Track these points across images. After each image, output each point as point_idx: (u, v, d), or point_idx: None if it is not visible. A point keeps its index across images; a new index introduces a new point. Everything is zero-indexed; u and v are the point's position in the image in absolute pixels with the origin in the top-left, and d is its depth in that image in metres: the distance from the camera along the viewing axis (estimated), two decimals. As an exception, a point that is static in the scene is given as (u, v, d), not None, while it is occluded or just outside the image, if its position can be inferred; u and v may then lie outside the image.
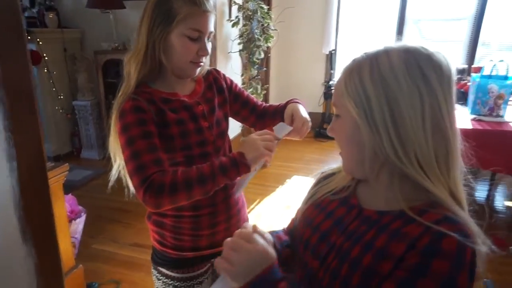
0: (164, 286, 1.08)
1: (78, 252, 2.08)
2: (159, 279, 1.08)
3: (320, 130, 4.67)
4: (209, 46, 0.99)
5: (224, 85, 1.12)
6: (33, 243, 0.82)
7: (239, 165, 0.87)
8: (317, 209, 0.75)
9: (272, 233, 0.79)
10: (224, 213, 1.05)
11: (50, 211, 0.90)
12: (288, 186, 3.32)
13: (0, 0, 0.73)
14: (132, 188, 0.96)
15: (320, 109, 4.81)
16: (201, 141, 1.00)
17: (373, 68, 0.60)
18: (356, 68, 0.62)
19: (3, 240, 0.78)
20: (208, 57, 1.02)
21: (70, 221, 1.95)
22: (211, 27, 0.96)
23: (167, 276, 1.06)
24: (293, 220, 0.82)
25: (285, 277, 0.60)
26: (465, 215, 0.59)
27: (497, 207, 2.91)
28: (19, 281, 0.81)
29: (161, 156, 0.91)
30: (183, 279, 1.05)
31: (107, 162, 3.69)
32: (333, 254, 0.65)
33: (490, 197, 2.98)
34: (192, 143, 0.98)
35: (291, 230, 0.83)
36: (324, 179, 0.80)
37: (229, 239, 0.63)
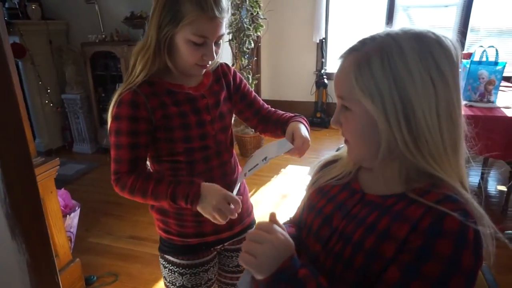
0: (170, 273, 1.09)
1: (74, 246, 2.07)
2: (165, 267, 1.10)
3: (313, 119, 4.68)
4: (219, 46, 0.96)
5: (232, 82, 1.11)
6: (23, 239, 0.80)
7: (187, 203, 0.90)
8: (319, 194, 0.75)
9: None
10: None
11: (39, 206, 0.87)
12: (283, 175, 3.34)
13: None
14: None
15: (312, 98, 4.81)
16: (202, 134, 1.00)
17: (384, 60, 0.57)
18: (365, 60, 0.59)
19: (-8, 237, 0.75)
20: (219, 54, 0.99)
21: (64, 215, 1.93)
22: (220, 31, 0.93)
23: (173, 263, 1.07)
24: (299, 209, 0.82)
25: (304, 264, 0.60)
26: (468, 196, 0.58)
27: (490, 192, 2.96)
28: (11, 277, 0.79)
29: (139, 154, 0.96)
30: (189, 266, 1.07)
31: (99, 156, 3.66)
32: (335, 238, 0.65)
33: (482, 182, 3.02)
34: (192, 136, 0.99)
35: (296, 219, 0.83)
36: (325, 166, 0.80)
37: (250, 231, 0.63)
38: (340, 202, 0.69)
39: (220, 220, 0.88)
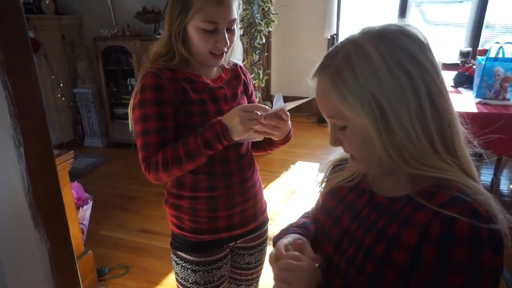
0: (182, 270, 1.08)
1: (86, 238, 2.09)
2: (178, 264, 1.09)
3: (322, 115, 4.65)
4: (233, 33, 0.97)
5: (248, 84, 1.12)
6: (45, 228, 0.82)
7: (222, 140, 0.91)
8: (331, 195, 0.75)
9: (286, 231, 0.79)
10: (240, 196, 1.05)
11: (59, 196, 0.90)
12: (293, 171, 3.33)
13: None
14: None
15: (322, 95, 4.77)
16: None
17: (354, 70, 0.56)
18: (338, 76, 0.58)
19: (16, 226, 0.77)
20: (235, 44, 1.00)
21: (77, 208, 1.96)
22: (232, 16, 0.93)
23: (185, 260, 1.07)
24: (317, 203, 0.82)
25: None
26: (478, 188, 0.56)
27: (502, 191, 2.92)
28: (34, 266, 0.81)
29: (168, 138, 0.96)
30: (202, 263, 1.06)
31: (110, 150, 3.69)
32: (347, 240, 0.65)
33: (495, 181, 2.97)
34: None
35: (315, 216, 0.83)
36: (335, 166, 0.79)
37: (279, 262, 0.64)
38: (349, 203, 0.69)
39: (254, 127, 0.90)
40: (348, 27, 4.62)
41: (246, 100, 1.11)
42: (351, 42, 0.59)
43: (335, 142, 0.65)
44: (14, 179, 0.76)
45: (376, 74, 0.55)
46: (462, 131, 0.60)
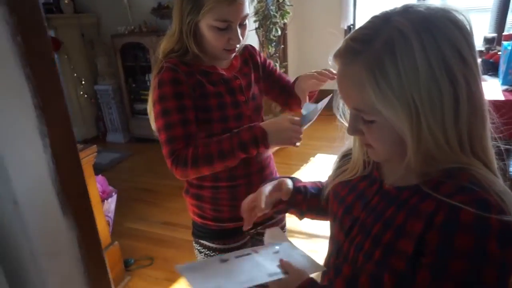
0: (206, 258, 1.10)
1: (112, 230, 2.15)
2: (201, 252, 1.11)
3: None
4: (245, 27, 0.97)
5: (259, 62, 1.12)
6: (73, 216, 0.84)
7: (259, 145, 0.90)
8: (342, 183, 0.74)
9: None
10: (259, 184, 1.05)
11: (84, 185, 0.92)
12: (313, 164, 3.31)
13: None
14: None
15: (340, 86, 4.71)
16: (238, 115, 1.01)
17: (397, 64, 0.50)
18: (378, 67, 0.51)
19: (46, 213, 0.80)
20: (246, 36, 1.00)
21: (102, 200, 2.01)
22: (244, 12, 0.93)
23: (209, 248, 1.08)
24: (329, 178, 0.81)
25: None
26: (495, 180, 0.53)
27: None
28: (64, 252, 0.84)
29: (192, 130, 0.96)
30: (224, 250, 1.07)
31: (132, 145, 3.75)
32: (356, 229, 0.65)
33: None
34: (229, 116, 0.99)
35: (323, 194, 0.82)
36: (345, 156, 0.78)
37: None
38: (361, 191, 0.68)
39: (297, 144, 0.92)
40: (365, 17, 4.50)
41: (257, 88, 1.10)
42: (393, 27, 0.51)
43: (355, 132, 0.61)
44: (41, 168, 0.78)
45: (417, 74, 0.50)
46: (489, 124, 0.57)
